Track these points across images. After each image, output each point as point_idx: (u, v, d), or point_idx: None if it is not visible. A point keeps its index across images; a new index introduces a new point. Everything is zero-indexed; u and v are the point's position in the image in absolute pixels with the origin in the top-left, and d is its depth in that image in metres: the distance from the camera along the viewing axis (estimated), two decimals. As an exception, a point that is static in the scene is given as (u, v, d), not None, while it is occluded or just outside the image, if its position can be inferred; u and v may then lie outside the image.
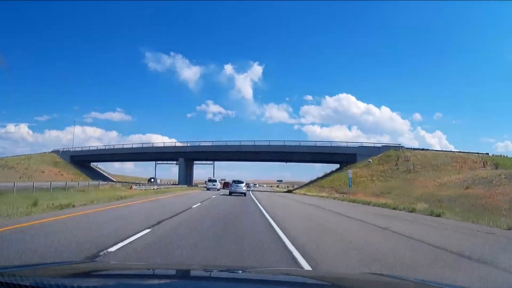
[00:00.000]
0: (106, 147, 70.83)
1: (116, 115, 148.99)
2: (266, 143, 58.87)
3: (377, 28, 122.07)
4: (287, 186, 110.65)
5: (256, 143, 59.26)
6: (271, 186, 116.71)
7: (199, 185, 64.56)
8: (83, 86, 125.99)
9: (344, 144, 56.61)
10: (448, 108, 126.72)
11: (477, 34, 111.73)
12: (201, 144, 63.32)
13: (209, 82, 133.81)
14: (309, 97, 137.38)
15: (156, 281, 2.19)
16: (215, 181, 47.92)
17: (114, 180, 64.55)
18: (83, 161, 69.15)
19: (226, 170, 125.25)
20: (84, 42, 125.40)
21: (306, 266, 4.94)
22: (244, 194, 31.28)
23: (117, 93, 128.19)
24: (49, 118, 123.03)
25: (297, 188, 64.68)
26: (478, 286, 4.31)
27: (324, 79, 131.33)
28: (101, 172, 74.36)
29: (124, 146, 69.08)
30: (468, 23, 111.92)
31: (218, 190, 43.44)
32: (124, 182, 51.46)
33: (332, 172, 56.66)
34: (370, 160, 48.82)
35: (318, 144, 57.16)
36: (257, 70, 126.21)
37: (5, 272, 1.67)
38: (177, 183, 61.95)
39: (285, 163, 63.04)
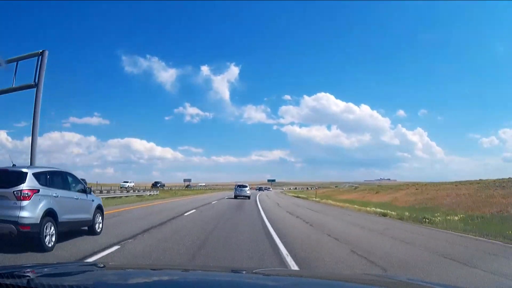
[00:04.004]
0: None
1: (94, 120, 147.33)
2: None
3: (356, 25, 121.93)
4: (306, 188, 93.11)
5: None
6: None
7: None
8: (59, 91, 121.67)
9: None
10: (433, 104, 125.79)
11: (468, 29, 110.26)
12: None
13: (186, 84, 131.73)
14: (288, 97, 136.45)
15: (154, 282, 2.19)
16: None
17: None
18: None
19: (208, 173, 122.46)
20: (59, 45, 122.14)
21: None
22: (249, 197, 32.17)
23: (94, 97, 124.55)
24: (27, 124, 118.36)
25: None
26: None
27: (302, 78, 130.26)
28: None
29: None
30: (455, 17, 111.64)
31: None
32: None
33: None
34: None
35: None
36: (234, 71, 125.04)
37: (4, 272, 1.65)
38: None
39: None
